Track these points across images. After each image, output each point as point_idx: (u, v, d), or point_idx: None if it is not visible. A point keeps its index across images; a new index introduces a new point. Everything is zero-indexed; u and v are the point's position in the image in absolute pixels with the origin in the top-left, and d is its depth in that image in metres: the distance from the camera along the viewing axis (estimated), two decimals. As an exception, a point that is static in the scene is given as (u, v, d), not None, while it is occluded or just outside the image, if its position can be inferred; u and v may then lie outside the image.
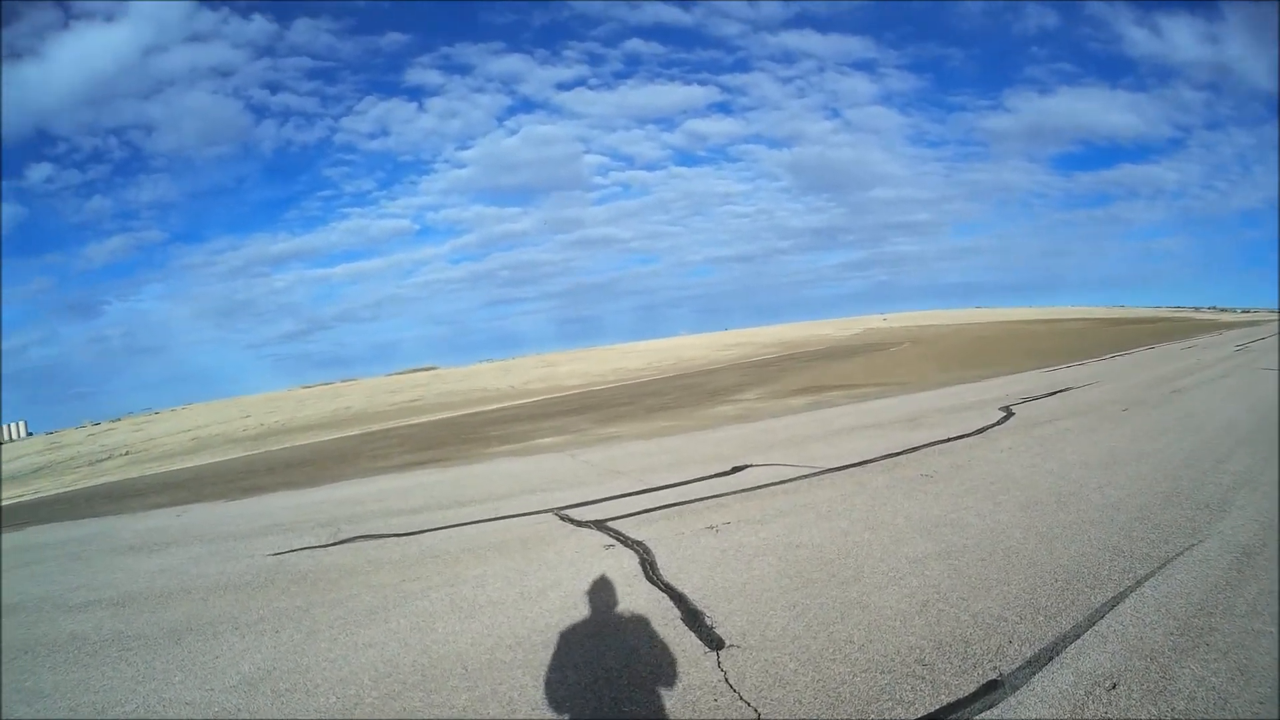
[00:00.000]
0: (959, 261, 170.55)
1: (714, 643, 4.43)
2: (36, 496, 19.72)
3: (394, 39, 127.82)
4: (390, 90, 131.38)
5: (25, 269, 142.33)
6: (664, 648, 4.44)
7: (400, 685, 4.47)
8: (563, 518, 7.84)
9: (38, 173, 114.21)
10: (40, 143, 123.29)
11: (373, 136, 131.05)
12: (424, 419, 26.74)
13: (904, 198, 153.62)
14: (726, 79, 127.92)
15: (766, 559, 5.75)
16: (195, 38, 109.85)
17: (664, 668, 4.22)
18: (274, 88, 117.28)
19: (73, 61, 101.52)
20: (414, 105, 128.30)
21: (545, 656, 4.55)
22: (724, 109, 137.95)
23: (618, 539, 6.78)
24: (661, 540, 6.54)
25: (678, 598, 5.15)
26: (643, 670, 4.22)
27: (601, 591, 5.49)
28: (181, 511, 12.37)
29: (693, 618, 4.79)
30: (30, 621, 6.99)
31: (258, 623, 5.91)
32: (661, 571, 5.72)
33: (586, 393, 29.65)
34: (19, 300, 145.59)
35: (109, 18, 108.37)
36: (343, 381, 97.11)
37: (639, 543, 6.54)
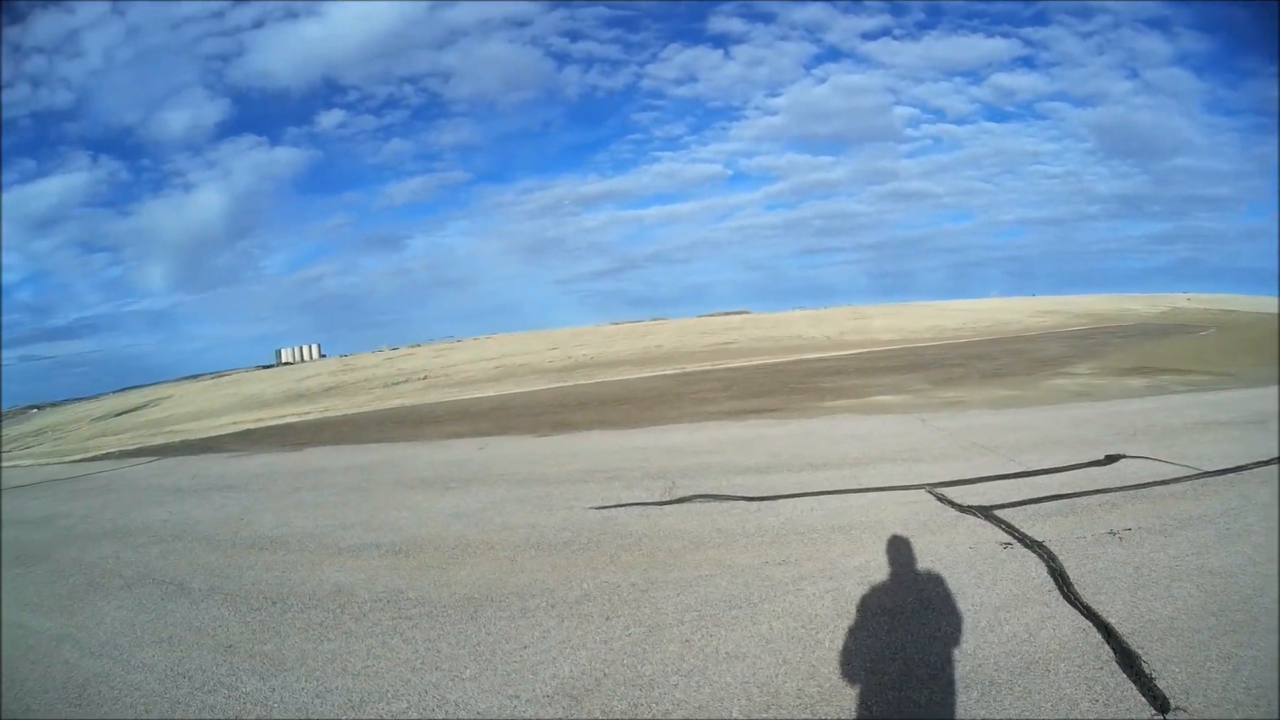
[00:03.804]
0: (1254, 243, 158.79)
1: (1159, 702, 3.88)
2: (322, 416, 21.78)
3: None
4: (694, 38, 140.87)
5: (322, 206, 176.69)
6: (1105, 703, 3.89)
7: (781, 721, 3.92)
8: (939, 498, 7.36)
9: (329, 119, 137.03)
10: (329, 92, 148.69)
11: (680, 83, 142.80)
12: (741, 363, 27.41)
13: (1204, 169, 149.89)
14: (1027, 32, 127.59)
15: (1184, 586, 5.17)
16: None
17: (1111, 734, 3.78)
18: (574, 36, 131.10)
19: (355, 17, 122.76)
20: (719, 52, 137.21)
21: (966, 700, 3.96)
22: (1028, 64, 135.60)
23: (1013, 536, 6.22)
24: (1064, 544, 5.98)
25: (1105, 630, 4.56)
26: (1089, 734, 3.76)
27: (1015, 609, 4.94)
28: (484, 444, 12.57)
29: (1128, 661, 4.21)
30: (289, 562, 6.85)
31: (581, 602, 5.38)
32: (1078, 589, 5.16)
33: (908, 349, 29.73)
34: (317, 234, 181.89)
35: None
36: (652, 320, 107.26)
37: (1039, 544, 5.98)
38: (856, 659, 4.31)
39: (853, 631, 4.65)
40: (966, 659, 4.25)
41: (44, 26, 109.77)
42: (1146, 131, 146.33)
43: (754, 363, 27.02)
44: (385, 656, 4.71)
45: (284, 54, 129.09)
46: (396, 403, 23.06)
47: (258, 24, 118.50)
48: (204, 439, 18.53)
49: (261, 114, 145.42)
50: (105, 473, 14.33)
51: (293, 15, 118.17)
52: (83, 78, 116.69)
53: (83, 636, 5.55)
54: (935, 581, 5.35)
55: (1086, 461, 8.40)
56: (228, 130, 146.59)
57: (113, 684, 4.71)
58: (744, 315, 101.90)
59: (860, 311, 79.67)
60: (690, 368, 26.77)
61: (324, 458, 12.74)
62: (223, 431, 20.09)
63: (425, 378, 33.78)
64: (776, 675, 4.18)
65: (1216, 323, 38.43)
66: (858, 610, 4.94)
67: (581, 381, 24.57)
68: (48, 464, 17.98)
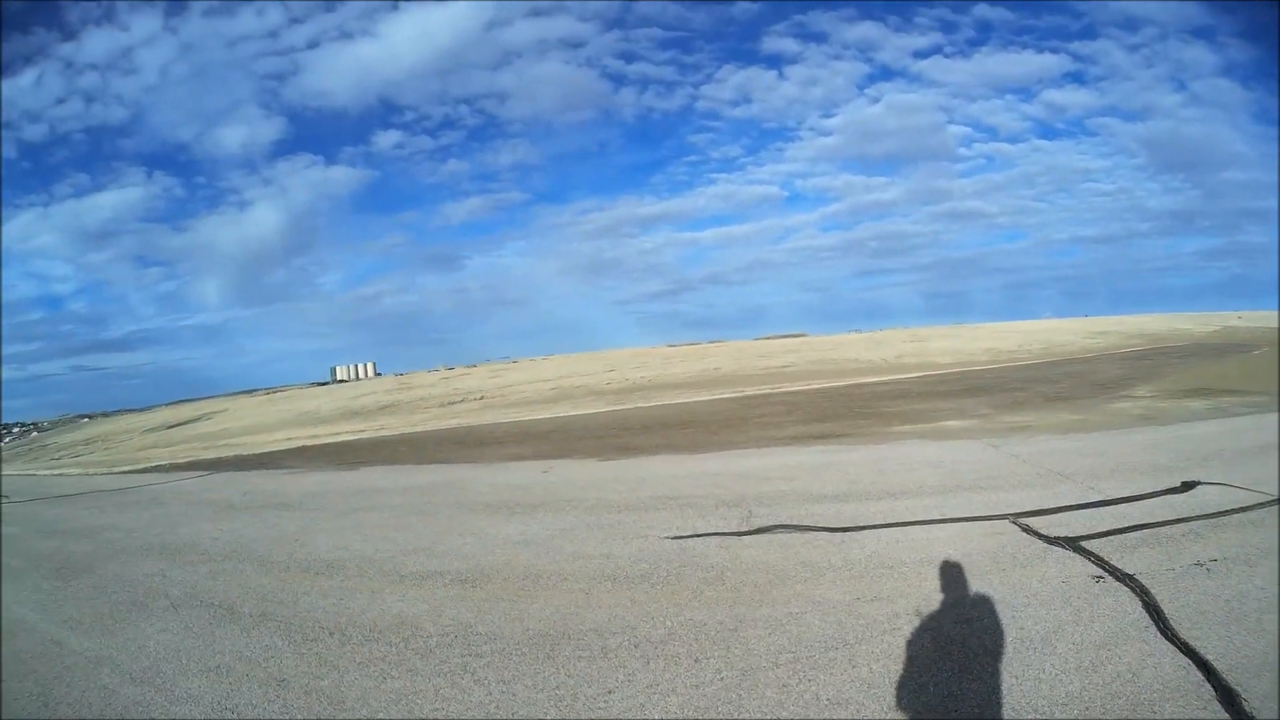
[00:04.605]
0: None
1: (1262, 744, 3.92)
2: (377, 434, 21.90)
3: (745, 8, 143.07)
4: (748, 58, 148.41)
5: (379, 225, 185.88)
6: (1213, 748, 3.93)
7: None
8: (1025, 529, 7.27)
9: (385, 139, 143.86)
10: (385, 112, 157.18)
11: (735, 104, 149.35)
12: (801, 386, 27.59)
13: (1253, 181, 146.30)
14: (1076, 46, 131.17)
15: (1274, 618, 5.09)
16: (537, 12, 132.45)
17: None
18: (629, 57, 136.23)
19: (410, 38, 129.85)
20: (773, 73, 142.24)
21: (1075, 748, 3.96)
22: (1077, 79, 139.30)
23: (1104, 568, 6.12)
24: (1155, 577, 5.90)
25: (1204, 666, 4.48)
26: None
27: (1116, 647, 4.84)
28: (547, 467, 12.49)
29: (1229, 700, 4.13)
30: (348, 589, 6.68)
31: (666, 642, 5.12)
32: (1174, 625, 5.07)
33: (967, 372, 30.18)
34: (374, 252, 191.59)
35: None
36: (710, 342, 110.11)
37: (1131, 577, 5.90)
38: (964, 704, 4.17)
39: (957, 674, 4.50)
40: (1073, 702, 4.15)
41: (97, 43, 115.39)
42: (1196, 144, 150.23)
43: (814, 386, 27.27)
44: (456, 699, 4.45)
45: (339, 74, 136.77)
46: (453, 423, 23.24)
47: (313, 44, 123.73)
48: (257, 454, 18.76)
49: (318, 133, 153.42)
50: (155, 485, 14.48)
51: (347, 35, 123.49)
52: (137, 94, 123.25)
53: (123, 660, 5.39)
54: (1032, 619, 5.25)
55: (1165, 489, 8.42)
56: (284, 149, 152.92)
57: (153, 715, 4.52)
58: (801, 338, 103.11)
59: (917, 334, 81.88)
60: (750, 391, 26.90)
61: (381, 477, 12.69)
62: (276, 447, 20.34)
63: (482, 398, 34.27)
64: (880, 720, 4.14)
65: (1268, 341, 38.81)
66: (959, 650, 4.79)
67: (641, 404, 24.75)
68: (96, 474, 18.24)
